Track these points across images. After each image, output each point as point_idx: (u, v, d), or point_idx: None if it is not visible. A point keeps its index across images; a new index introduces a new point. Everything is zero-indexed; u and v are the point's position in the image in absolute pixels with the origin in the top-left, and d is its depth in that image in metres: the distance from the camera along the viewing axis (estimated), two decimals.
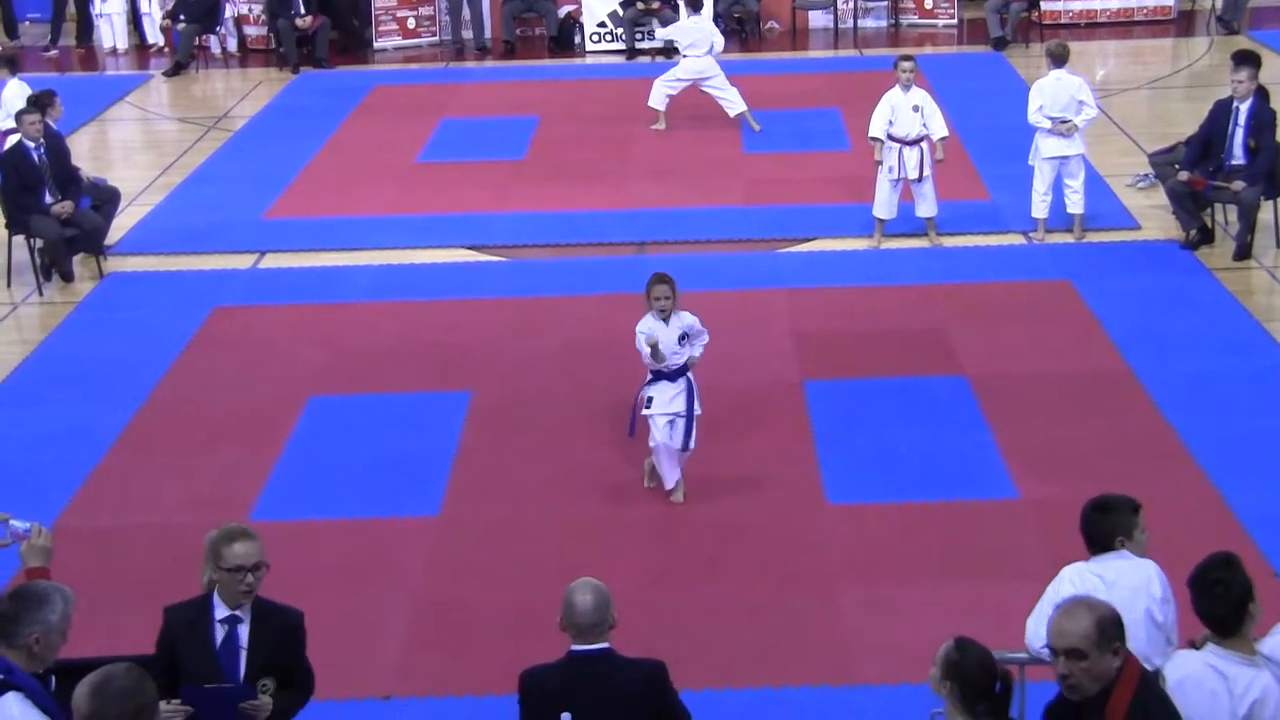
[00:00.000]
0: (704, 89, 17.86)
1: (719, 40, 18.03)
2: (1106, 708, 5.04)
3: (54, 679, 5.83)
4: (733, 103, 17.79)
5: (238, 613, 6.22)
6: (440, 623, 8.74)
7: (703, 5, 18.77)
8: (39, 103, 14.21)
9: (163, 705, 6.02)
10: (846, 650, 8.26)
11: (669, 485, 9.77)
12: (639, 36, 22.20)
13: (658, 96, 17.94)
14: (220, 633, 6.23)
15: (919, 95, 13.84)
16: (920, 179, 13.81)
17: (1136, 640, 6.08)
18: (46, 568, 6.32)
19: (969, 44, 22.43)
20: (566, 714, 5.87)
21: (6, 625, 5.59)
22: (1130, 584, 6.16)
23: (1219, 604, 5.74)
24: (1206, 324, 12.19)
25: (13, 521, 6.44)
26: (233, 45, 22.84)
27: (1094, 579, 6.19)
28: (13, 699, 5.45)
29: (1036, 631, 6.22)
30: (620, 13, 22.33)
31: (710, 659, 8.01)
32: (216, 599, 6.25)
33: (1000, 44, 21.74)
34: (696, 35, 17.81)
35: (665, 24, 20.60)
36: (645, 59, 21.75)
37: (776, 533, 9.46)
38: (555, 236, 14.62)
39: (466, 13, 22.90)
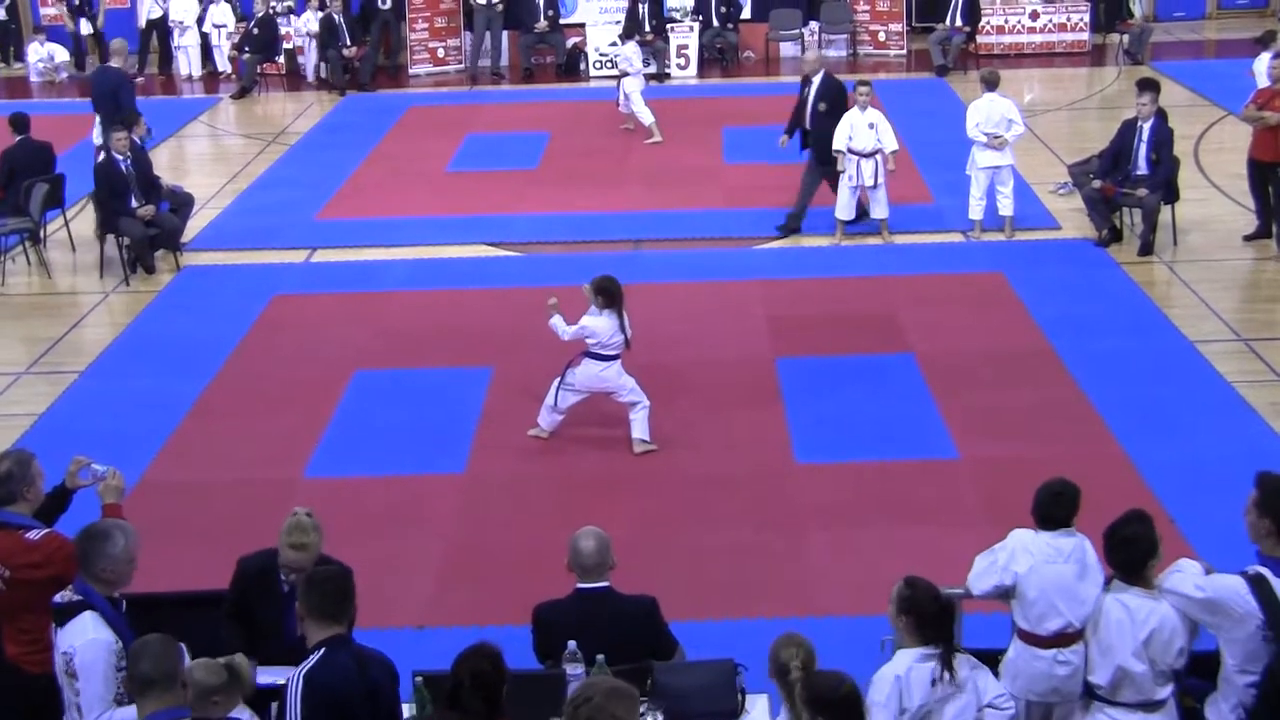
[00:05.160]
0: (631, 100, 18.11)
1: None
2: None
3: (124, 602, 5.88)
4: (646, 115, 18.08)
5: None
6: (466, 563, 8.72)
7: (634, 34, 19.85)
8: (127, 122, 14.15)
9: (238, 657, 6.04)
10: (812, 586, 8.24)
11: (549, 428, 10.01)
12: None
13: (645, 114, 17.94)
14: (286, 584, 6.22)
15: (874, 114, 13.78)
16: (875, 186, 13.77)
17: (1087, 599, 5.98)
18: (119, 504, 6.35)
19: (916, 71, 22.34)
20: (572, 642, 5.85)
21: (82, 560, 5.67)
22: (1078, 559, 6.01)
23: (1125, 555, 5.72)
24: (1116, 310, 12.15)
25: (94, 465, 6.46)
26: (324, 71, 22.52)
27: (1050, 550, 6.03)
28: (89, 616, 5.57)
29: (979, 576, 6.15)
30: (618, 43, 22.23)
31: (696, 594, 7.98)
32: None
33: (942, 71, 21.67)
34: (635, 57, 18.05)
35: (648, 52, 20.59)
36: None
37: (752, 486, 9.44)
38: (564, 235, 14.56)
39: (487, 43, 22.84)
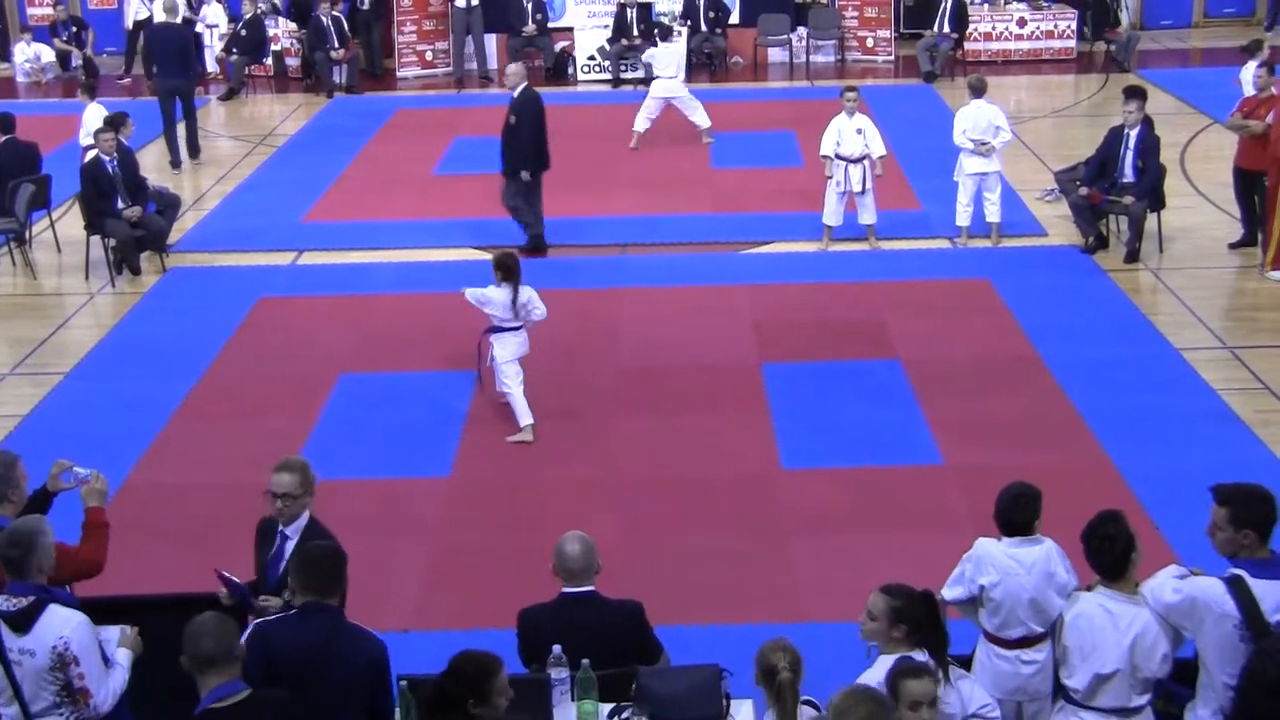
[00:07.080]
0: (675, 105, 17.91)
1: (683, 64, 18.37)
2: None
3: (69, 587, 6.01)
4: (700, 118, 17.86)
5: (287, 531, 6.31)
6: (451, 567, 8.72)
7: (672, 33, 19.14)
8: (113, 123, 14.12)
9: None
10: (797, 593, 8.25)
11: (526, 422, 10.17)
12: (623, 68, 22.14)
13: (640, 121, 17.92)
14: (277, 542, 6.30)
15: (862, 120, 13.80)
16: (862, 191, 13.78)
17: (1051, 607, 6.02)
18: (103, 508, 6.34)
19: (904, 77, 22.38)
20: (557, 646, 5.85)
21: (21, 564, 5.59)
22: (1042, 569, 6.03)
23: (1106, 555, 5.72)
24: (1101, 317, 12.19)
25: (76, 468, 6.43)
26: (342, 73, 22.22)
27: (1012, 562, 6.05)
28: (56, 607, 5.55)
29: (950, 585, 6.20)
30: (607, 48, 22.28)
31: (681, 600, 7.98)
32: None
33: (930, 77, 21.71)
34: (667, 59, 17.90)
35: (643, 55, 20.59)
36: (628, 87, 21.67)
37: (738, 492, 9.44)
38: (551, 239, 14.53)
39: (471, 46, 22.82)
